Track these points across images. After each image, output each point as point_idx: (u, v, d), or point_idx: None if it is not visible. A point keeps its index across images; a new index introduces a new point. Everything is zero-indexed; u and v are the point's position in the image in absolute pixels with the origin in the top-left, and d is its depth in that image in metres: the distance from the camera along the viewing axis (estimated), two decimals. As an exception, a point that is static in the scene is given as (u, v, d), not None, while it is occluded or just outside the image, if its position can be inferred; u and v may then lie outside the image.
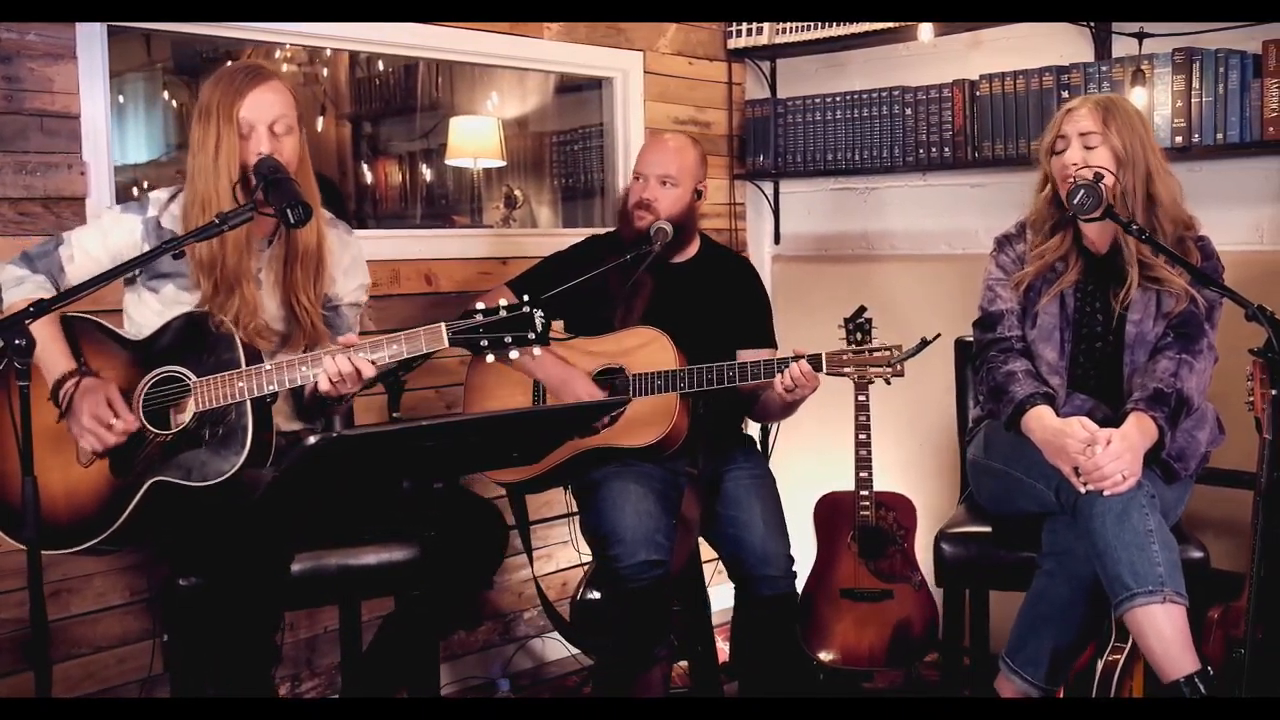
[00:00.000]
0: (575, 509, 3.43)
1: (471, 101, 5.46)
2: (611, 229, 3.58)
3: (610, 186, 4.44)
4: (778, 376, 3.03)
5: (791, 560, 3.22)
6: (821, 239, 4.59)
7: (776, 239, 4.69)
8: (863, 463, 3.78)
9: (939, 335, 3.00)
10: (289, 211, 2.45)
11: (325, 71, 5.84)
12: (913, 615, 3.77)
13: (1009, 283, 2.98)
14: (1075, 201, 2.64)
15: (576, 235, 3.69)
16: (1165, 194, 2.83)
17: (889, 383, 3.04)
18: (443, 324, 2.48)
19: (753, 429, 3.81)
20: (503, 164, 5.26)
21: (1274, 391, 2.40)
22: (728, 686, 3.76)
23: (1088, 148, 2.82)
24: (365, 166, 5.89)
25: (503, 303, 2.44)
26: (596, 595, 3.63)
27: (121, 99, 5.91)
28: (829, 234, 4.57)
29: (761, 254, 4.69)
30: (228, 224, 2.45)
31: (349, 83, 5.82)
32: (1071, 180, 2.74)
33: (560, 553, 4.11)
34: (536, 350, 2.45)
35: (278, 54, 5.73)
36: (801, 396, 3.08)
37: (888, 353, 3.01)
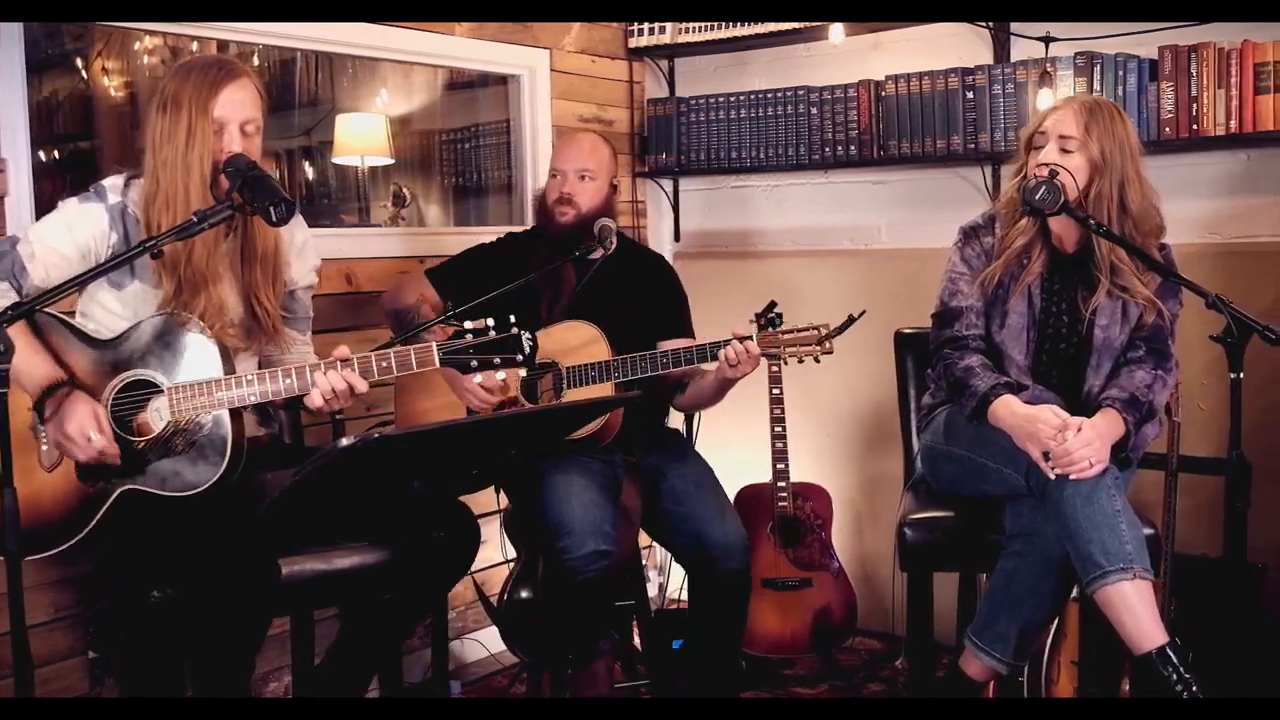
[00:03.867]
0: (499, 506, 3.42)
1: (354, 98, 5.36)
2: (527, 227, 3.60)
3: (517, 183, 4.42)
4: (722, 352, 3.08)
5: (749, 549, 3.27)
6: (722, 235, 4.66)
7: (676, 236, 4.74)
8: (779, 454, 3.86)
9: (864, 312, 3.08)
10: (272, 209, 2.40)
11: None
12: (832, 602, 3.87)
13: (972, 278, 3.02)
14: (1036, 197, 2.74)
15: (499, 232, 3.67)
16: (1137, 203, 2.90)
17: (818, 360, 3.11)
18: (433, 344, 2.50)
19: (677, 423, 3.84)
20: (390, 161, 5.18)
21: (1232, 375, 2.54)
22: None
23: (1064, 150, 2.88)
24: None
25: (490, 323, 2.48)
26: (525, 594, 3.61)
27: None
28: (730, 230, 4.64)
29: (662, 251, 4.72)
30: (206, 222, 2.38)
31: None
32: (1031, 179, 2.84)
33: (480, 552, 4.06)
34: (523, 371, 2.51)
35: (137, 45, 5.52)
36: (741, 374, 3.13)
37: (816, 331, 3.08)
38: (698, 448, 3.75)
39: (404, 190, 5.06)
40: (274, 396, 2.51)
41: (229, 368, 2.53)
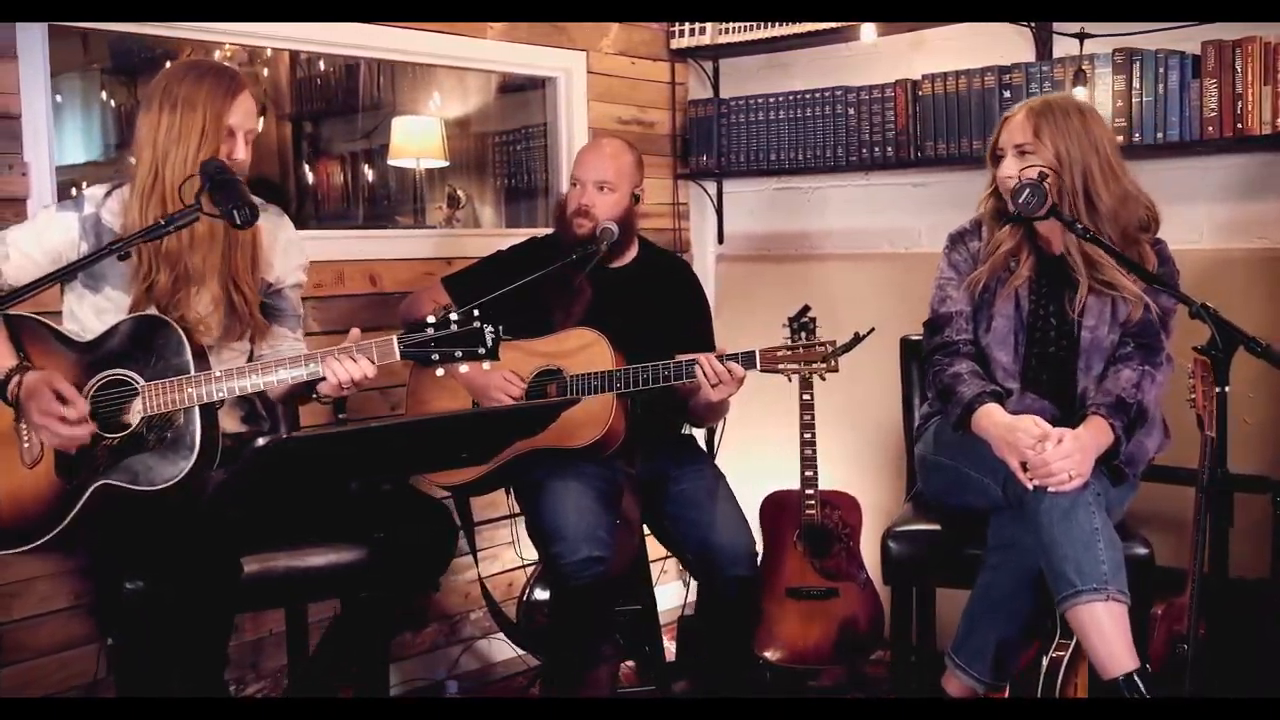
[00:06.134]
0: (518, 510, 3.43)
1: (414, 101, 5.44)
2: (551, 230, 3.60)
3: (554, 186, 4.44)
4: (698, 371, 3.03)
5: (757, 555, 3.24)
6: (764, 238, 4.61)
7: (720, 239, 4.70)
8: (808, 461, 3.79)
9: (872, 330, 3.01)
10: (235, 212, 2.44)
11: (265, 71, 5.79)
12: (858, 613, 3.79)
13: (960, 283, 2.97)
14: (1020, 201, 2.65)
15: (520, 235, 3.68)
16: (1106, 197, 2.80)
17: (824, 378, 3.05)
18: (394, 337, 2.51)
19: (697, 431, 3.81)
20: (445, 164, 5.25)
21: (1217, 389, 2.41)
22: (676, 685, 3.77)
23: (1023, 154, 2.83)
24: (307, 167, 5.85)
25: (453, 316, 2.48)
26: (543, 595, 3.62)
27: (59, 99, 5.81)
28: (772, 233, 4.59)
29: (705, 254, 4.70)
30: (173, 225, 2.45)
31: (290, 82, 5.78)
32: (1016, 181, 2.75)
33: (506, 553, 4.10)
34: (486, 365, 2.50)
35: (217, 54, 5.67)
36: (726, 394, 3.07)
37: (822, 348, 3.02)
38: (723, 452, 3.72)
39: (458, 192, 5.12)
40: (242, 391, 2.56)
41: (202, 365, 2.59)
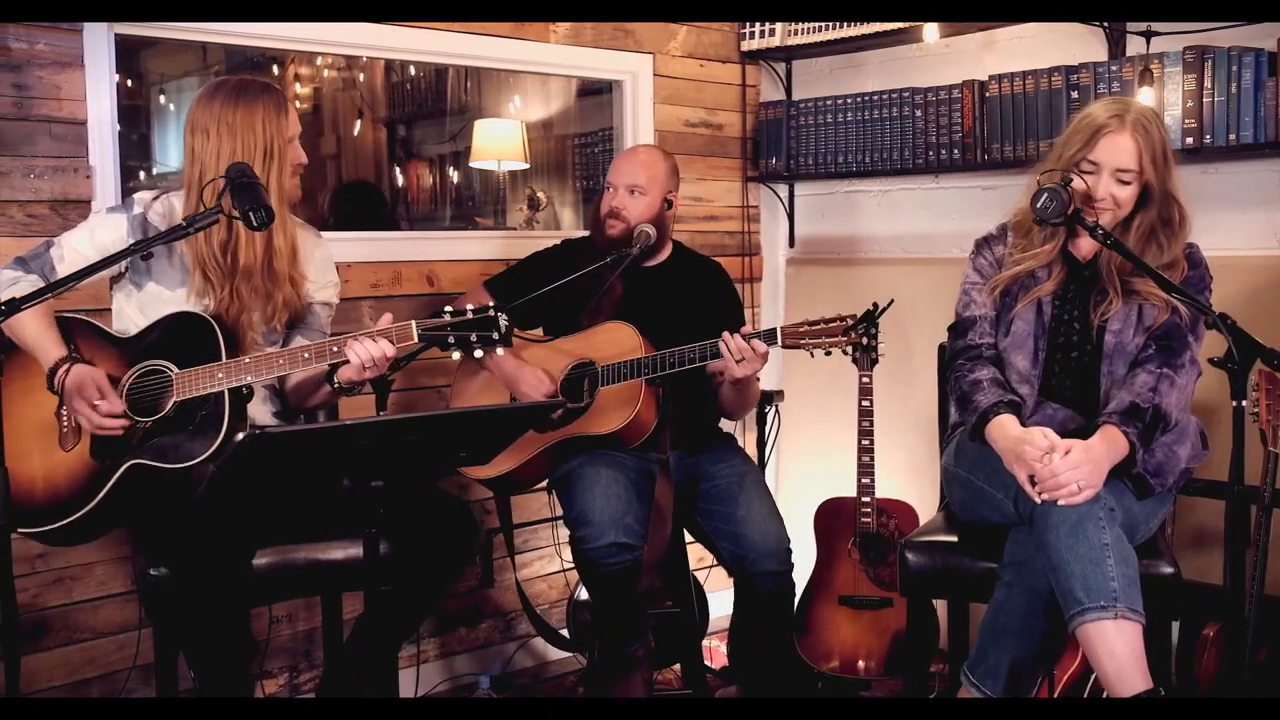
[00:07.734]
0: (560, 513, 3.46)
1: (498, 104, 5.51)
2: (587, 233, 3.63)
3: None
4: (723, 347, 3.03)
5: (790, 551, 3.23)
6: (834, 241, 4.54)
7: (791, 242, 4.65)
8: (865, 469, 3.74)
9: (892, 302, 3.02)
10: (252, 215, 2.54)
11: (361, 76, 5.92)
12: (913, 624, 3.71)
13: (985, 287, 2.92)
14: (1038, 206, 2.57)
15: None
16: (1180, 214, 2.74)
17: (846, 352, 3.02)
18: (413, 321, 2.62)
19: (748, 439, 3.78)
20: (526, 166, 5.30)
21: (1233, 403, 2.29)
22: (724, 690, 3.75)
23: (1122, 182, 2.73)
24: (398, 169, 5.96)
25: (469, 307, 2.59)
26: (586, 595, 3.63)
27: (173, 107, 6.01)
28: (842, 236, 4.52)
29: (775, 257, 4.65)
30: (194, 227, 2.55)
31: (384, 87, 5.90)
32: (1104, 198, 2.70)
33: (564, 552, 4.11)
34: (499, 350, 2.60)
35: (319, 60, 5.82)
36: (750, 371, 3.06)
37: (842, 322, 2.97)
38: (778, 456, 3.68)
39: (538, 194, 5.16)
40: (269, 373, 2.67)
41: (232, 354, 2.71)
